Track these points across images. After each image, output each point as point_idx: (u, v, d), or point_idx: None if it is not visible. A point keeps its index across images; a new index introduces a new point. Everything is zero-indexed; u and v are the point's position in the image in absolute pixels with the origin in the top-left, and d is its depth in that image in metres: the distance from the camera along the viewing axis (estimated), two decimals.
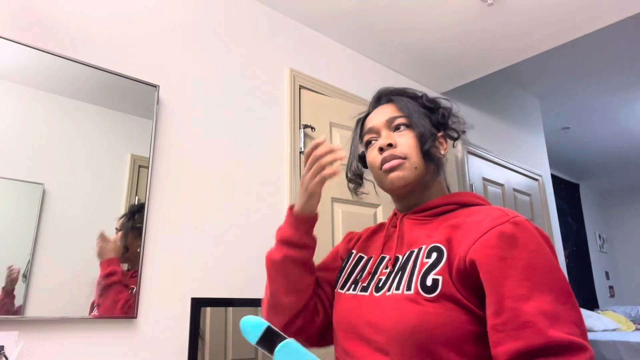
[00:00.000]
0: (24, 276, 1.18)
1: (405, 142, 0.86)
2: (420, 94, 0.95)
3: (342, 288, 0.89)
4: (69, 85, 1.37)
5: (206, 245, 1.58)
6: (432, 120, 0.91)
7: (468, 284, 0.70)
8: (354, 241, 1.00)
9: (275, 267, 0.87)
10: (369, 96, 2.52)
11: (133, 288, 1.35)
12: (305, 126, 1.96)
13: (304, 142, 1.94)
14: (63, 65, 1.36)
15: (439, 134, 0.91)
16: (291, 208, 0.88)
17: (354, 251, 0.95)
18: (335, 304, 0.88)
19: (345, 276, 0.91)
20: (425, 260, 0.75)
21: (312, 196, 0.85)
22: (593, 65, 3.23)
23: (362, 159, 0.96)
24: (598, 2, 2.06)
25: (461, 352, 0.68)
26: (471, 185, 2.69)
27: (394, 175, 0.84)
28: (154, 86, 1.54)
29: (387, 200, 2.15)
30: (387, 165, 0.85)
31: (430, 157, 0.86)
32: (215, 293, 1.56)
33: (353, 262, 0.92)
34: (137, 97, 1.50)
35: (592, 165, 5.41)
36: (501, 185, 2.97)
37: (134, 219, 1.40)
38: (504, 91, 3.40)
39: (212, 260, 1.58)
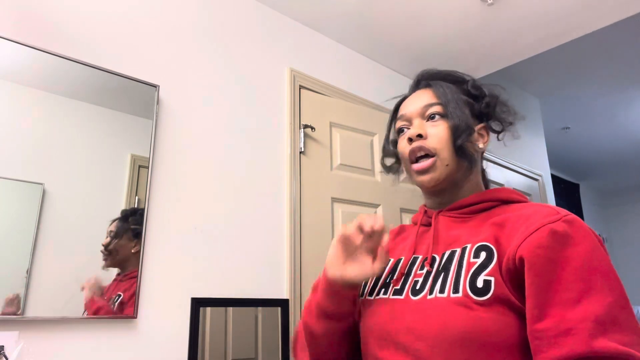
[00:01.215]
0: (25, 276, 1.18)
1: (437, 133, 0.78)
2: (467, 79, 0.86)
3: (370, 294, 0.80)
4: (69, 85, 1.37)
5: (206, 245, 1.58)
6: (475, 109, 0.83)
7: (519, 285, 0.64)
8: None
9: (316, 340, 0.79)
10: (369, 96, 2.53)
11: (120, 295, 1.33)
12: (305, 126, 1.96)
13: (304, 142, 1.93)
14: (63, 65, 1.36)
15: (480, 126, 0.83)
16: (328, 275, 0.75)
17: None
18: (364, 310, 0.80)
19: (373, 281, 0.83)
20: (472, 260, 0.68)
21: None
22: (593, 65, 3.22)
23: (395, 143, 0.89)
24: (598, 2, 2.06)
25: None
26: None
27: (424, 177, 0.78)
28: (154, 86, 1.54)
29: (387, 200, 2.16)
30: (417, 167, 0.79)
31: (463, 153, 0.78)
32: (215, 293, 1.56)
33: None
34: (137, 97, 1.50)
35: (592, 165, 5.41)
36: (501, 185, 2.97)
37: (128, 222, 1.39)
38: (504, 91, 3.39)
39: (212, 260, 1.58)
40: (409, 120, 0.83)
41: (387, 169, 0.93)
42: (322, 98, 2.10)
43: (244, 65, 1.88)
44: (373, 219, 0.73)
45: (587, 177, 5.91)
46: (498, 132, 0.87)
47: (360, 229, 0.73)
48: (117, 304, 1.31)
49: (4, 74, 1.26)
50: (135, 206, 1.42)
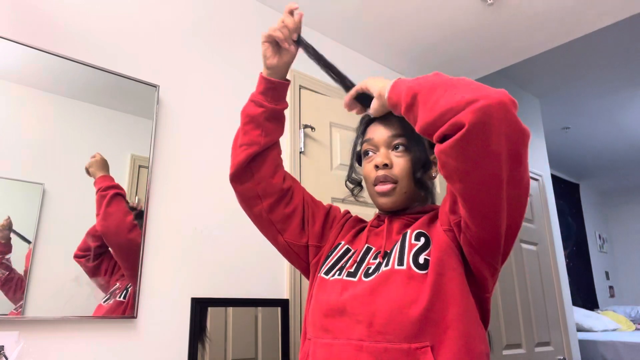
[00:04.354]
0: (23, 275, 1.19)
1: (401, 164, 0.90)
2: None
3: (326, 274, 0.91)
4: (69, 85, 1.37)
5: (206, 245, 1.58)
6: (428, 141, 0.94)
7: (455, 255, 0.80)
8: (344, 220, 1.04)
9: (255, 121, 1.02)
10: None
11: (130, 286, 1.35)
12: (305, 126, 1.95)
13: (304, 142, 1.94)
14: (63, 65, 1.36)
15: (432, 157, 0.94)
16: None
17: (343, 242, 0.98)
18: (318, 288, 0.90)
19: (331, 263, 0.93)
20: (414, 242, 0.83)
21: (266, 58, 0.98)
22: (593, 65, 3.22)
23: (359, 157, 1.01)
24: (598, 2, 2.06)
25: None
26: None
27: (383, 200, 0.91)
28: (154, 86, 1.54)
29: None
30: (379, 189, 0.91)
31: (421, 184, 0.91)
32: (215, 293, 1.56)
33: (340, 252, 0.95)
34: (137, 97, 1.50)
35: (592, 165, 5.40)
36: None
37: None
38: None
39: (211, 260, 1.58)
40: (376, 147, 0.94)
41: (351, 191, 1.07)
42: (322, 98, 2.10)
43: (244, 65, 1.88)
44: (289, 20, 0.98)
45: (587, 177, 5.91)
46: None
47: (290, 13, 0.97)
48: (128, 295, 1.33)
49: (4, 74, 1.26)
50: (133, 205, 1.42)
